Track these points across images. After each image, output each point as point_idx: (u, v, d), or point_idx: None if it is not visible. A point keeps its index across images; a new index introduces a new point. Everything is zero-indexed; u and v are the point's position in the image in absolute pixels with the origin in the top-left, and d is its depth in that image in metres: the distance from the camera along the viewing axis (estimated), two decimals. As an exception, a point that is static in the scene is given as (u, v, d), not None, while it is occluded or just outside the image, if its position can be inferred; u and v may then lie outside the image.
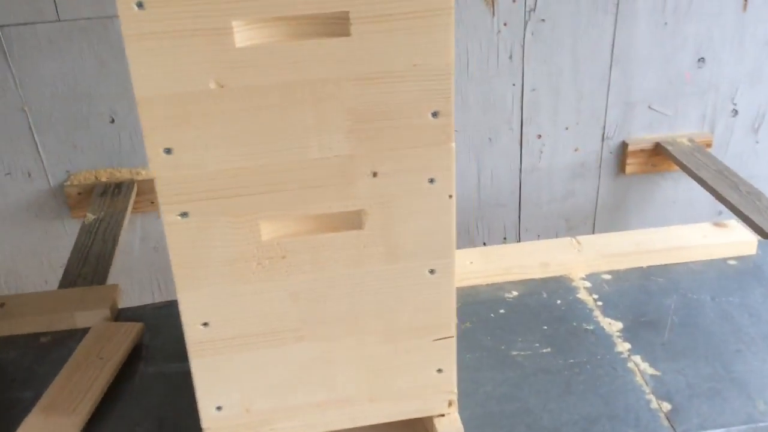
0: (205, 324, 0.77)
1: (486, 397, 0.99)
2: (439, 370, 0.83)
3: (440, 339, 0.81)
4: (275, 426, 0.82)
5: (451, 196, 0.74)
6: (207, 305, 0.76)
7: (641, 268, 1.24)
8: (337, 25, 0.65)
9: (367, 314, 0.79)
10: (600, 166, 1.78)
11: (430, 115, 0.70)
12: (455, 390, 0.85)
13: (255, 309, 0.77)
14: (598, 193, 1.82)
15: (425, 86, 0.69)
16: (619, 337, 1.08)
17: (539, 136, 1.71)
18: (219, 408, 0.80)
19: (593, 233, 1.85)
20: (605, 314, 1.14)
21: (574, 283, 1.21)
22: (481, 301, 1.18)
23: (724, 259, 1.24)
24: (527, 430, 0.93)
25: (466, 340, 1.10)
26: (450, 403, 0.85)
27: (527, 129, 1.72)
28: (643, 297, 1.17)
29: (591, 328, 1.11)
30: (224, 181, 0.70)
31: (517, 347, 1.08)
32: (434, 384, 0.83)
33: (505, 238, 1.86)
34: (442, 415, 0.85)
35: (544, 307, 1.16)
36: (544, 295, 1.19)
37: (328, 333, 0.79)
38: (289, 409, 0.82)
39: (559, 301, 1.17)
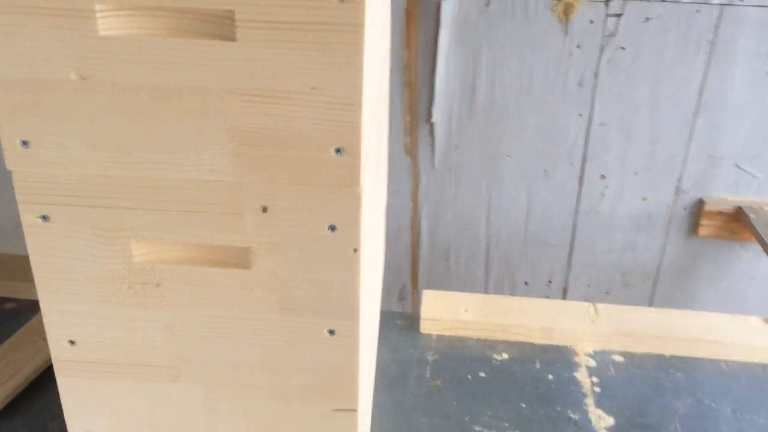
0: (72, 342, 0.67)
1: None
2: (340, 444, 0.70)
3: (340, 410, 0.68)
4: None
5: (356, 250, 0.60)
6: (72, 322, 0.66)
7: (662, 356, 1.04)
8: (221, 25, 0.53)
9: (255, 366, 0.67)
10: (669, 222, 1.56)
11: (332, 151, 0.57)
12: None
13: (125, 336, 0.66)
14: (664, 251, 1.60)
15: (326, 116, 0.55)
16: (604, 436, 0.91)
17: (603, 177, 1.51)
18: (88, 433, 0.71)
19: (653, 295, 1.64)
20: (598, 404, 0.96)
21: (576, 358, 1.04)
22: (463, 358, 1.03)
23: (765, 366, 1.02)
24: None
25: (428, 401, 0.95)
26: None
27: (590, 166, 1.52)
28: (651, 392, 0.98)
29: (576, 417, 0.93)
30: (90, 188, 0.60)
31: (481, 422, 0.93)
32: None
33: (550, 282, 1.68)
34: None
35: (532, 380, 0.99)
36: (537, 366, 1.02)
37: (208, 377, 0.68)
38: (167, 451, 0.71)
39: (550, 377, 1.00)
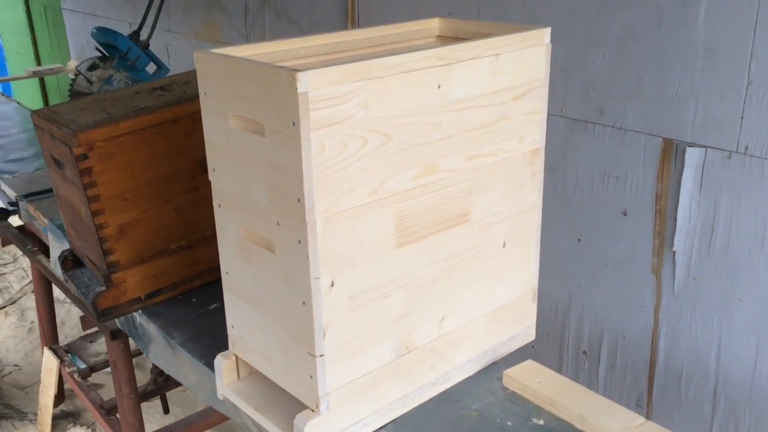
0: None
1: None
2: (311, 377, 1.10)
3: (310, 354, 1.08)
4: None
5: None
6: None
7: None
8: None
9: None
10: None
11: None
12: (319, 398, 1.09)
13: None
14: None
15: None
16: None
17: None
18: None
19: None
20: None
21: None
22: (509, 409, 1.24)
23: None
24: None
25: (455, 421, 1.22)
26: (317, 405, 1.10)
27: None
28: None
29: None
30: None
31: (474, 445, 1.16)
32: (308, 384, 1.11)
33: None
34: (312, 410, 1.11)
35: (540, 443, 1.16)
36: (556, 437, 1.17)
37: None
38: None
39: None
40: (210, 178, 1.15)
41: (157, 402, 2.32)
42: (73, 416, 2.56)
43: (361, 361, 1.12)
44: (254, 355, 1.19)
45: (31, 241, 2.24)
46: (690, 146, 1.49)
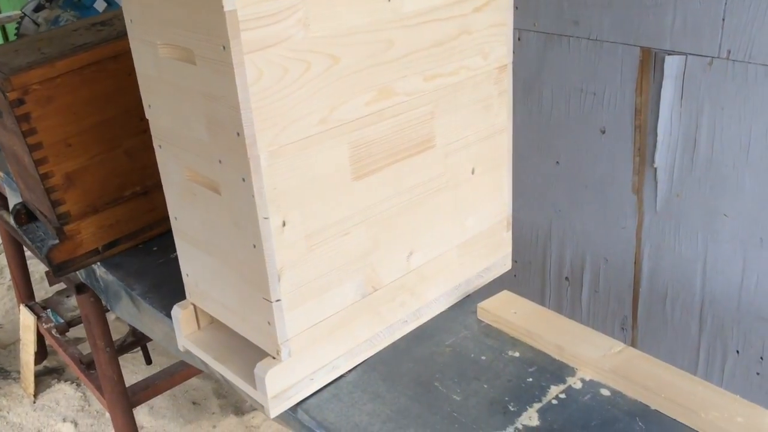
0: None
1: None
2: (269, 323, 1.02)
3: (266, 300, 1.01)
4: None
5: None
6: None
7: (646, 407, 1.01)
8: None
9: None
10: None
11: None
12: (279, 345, 1.02)
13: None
14: None
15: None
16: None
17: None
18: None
19: None
20: (545, 412, 1.02)
21: (568, 378, 1.09)
22: (483, 342, 1.18)
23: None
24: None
25: (430, 358, 1.16)
26: (278, 352, 1.04)
27: (805, 244, 1.29)
28: (598, 423, 0.99)
29: (512, 409, 1.03)
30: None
31: (437, 378, 1.10)
32: (266, 331, 1.03)
33: (761, 359, 1.45)
34: (273, 358, 1.04)
35: (514, 372, 1.10)
36: (530, 369, 1.11)
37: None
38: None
39: (530, 379, 1.09)
40: (147, 116, 1.06)
41: (141, 353, 2.27)
42: (57, 372, 2.52)
43: (323, 303, 1.04)
44: (211, 303, 1.12)
45: (-8, 197, 2.14)
46: (669, 54, 1.39)
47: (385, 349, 1.16)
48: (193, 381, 2.38)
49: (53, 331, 2.23)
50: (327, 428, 1.01)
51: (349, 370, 1.12)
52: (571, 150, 1.63)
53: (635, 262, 1.60)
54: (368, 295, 1.10)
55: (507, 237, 1.32)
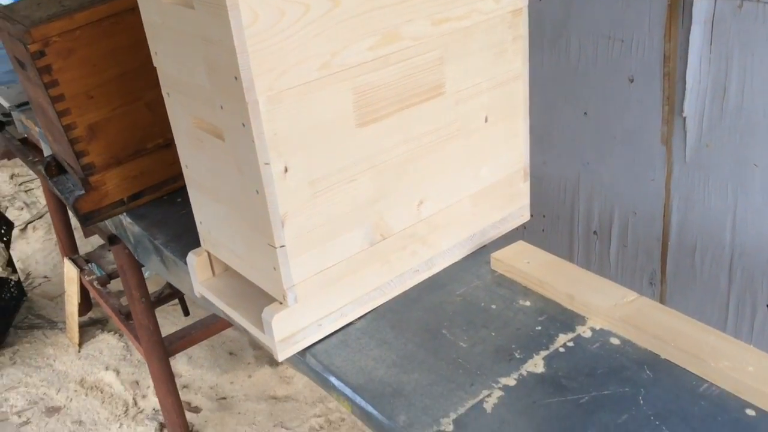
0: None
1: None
2: (274, 268, 1.03)
3: (270, 246, 1.01)
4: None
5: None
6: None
7: (657, 356, 0.99)
8: None
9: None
10: None
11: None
12: (285, 290, 1.03)
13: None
14: None
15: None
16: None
17: None
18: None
19: None
20: (551, 359, 1.01)
21: (578, 326, 1.07)
22: (494, 291, 1.17)
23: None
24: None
25: (440, 307, 1.16)
26: (284, 297, 1.04)
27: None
28: (606, 372, 0.97)
29: (518, 356, 1.02)
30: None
31: (446, 326, 1.09)
32: (272, 277, 1.04)
33: None
34: (280, 303, 1.05)
35: (522, 320, 1.09)
36: (540, 318, 1.09)
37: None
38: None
39: (538, 327, 1.08)
40: (155, 63, 1.06)
41: (179, 306, 2.33)
42: (101, 323, 2.61)
43: (330, 250, 1.05)
44: (223, 249, 1.13)
45: (32, 151, 2.20)
46: (698, -3, 1.32)
47: (395, 297, 1.16)
48: (230, 333, 2.44)
49: (95, 283, 2.30)
50: (333, 372, 1.02)
51: (358, 318, 1.12)
52: (599, 100, 1.59)
53: (664, 215, 1.56)
54: (377, 243, 1.10)
55: (524, 188, 1.30)
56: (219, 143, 1.00)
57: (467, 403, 0.94)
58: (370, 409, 0.96)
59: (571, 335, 1.03)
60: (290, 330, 1.05)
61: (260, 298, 1.10)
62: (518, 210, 1.30)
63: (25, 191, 3.59)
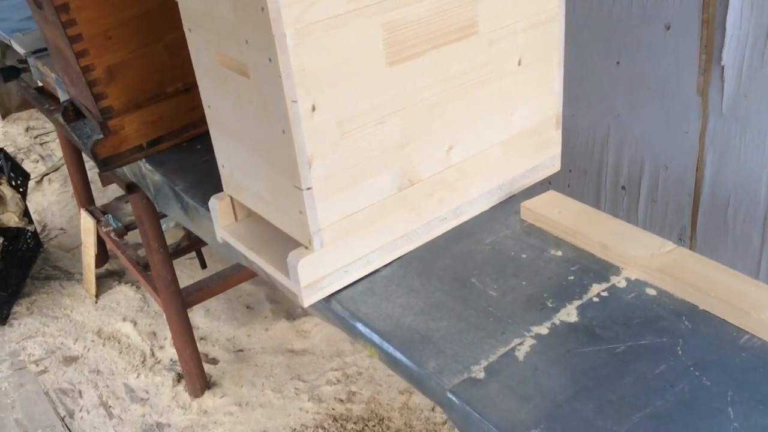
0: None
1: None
2: (300, 212, 1.00)
3: (297, 188, 0.98)
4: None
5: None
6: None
7: (694, 306, 0.96)
8: None
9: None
10: None
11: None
12: (311, 234, 1.00)
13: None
14: None
15: None
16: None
17: None
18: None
19: None
20: (584, 308, 0.98)
21: (612, 276, 1.04)
22: (523, 241, 1.14)
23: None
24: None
25: (465, 256, 1.13)
26: (310, 242, 1.02)
27: None
28: (640, 322, 0.94)
29: (550, 305, 0.99)
30: None
31: (474, 275, 1.07)
32: (298, 220, 1.01)
33: None
34: (306, 248, 1.03)
35: (554, 270, 1.05)
36: (573, 267, 1.06)
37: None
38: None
39: (571, 277, 1.05)
40: (176, -2, 1.02)
41: (196, 259, 2.32)
42: (118, 275, 2.60)
43: (357, 194, 1.02)
44: (246, 194, 1.10)
45: (49, 100, 2.17)
46: (744, -63, 1.26)
47: (422, 246, 1.13)
48: (248, 287, 2.43)
49: (112, 235, 2.29)
50: (360, 319, 1.00)
51: (385, 265, 1.10)
52: (633, 49, 1.53)
53: (697, 169, 1.52)
54: (405, 189, 1.07)
55: (556, 136, 1.26)
56: (243, 81, 0.96)
57: (498, 351, 0.91)
58: (398, 355, 0.93)
59: (605, 285, 1.00)
60: (316, 275, 1.02)
61: (284, 244, 1.08)
62: (549, 159, 1.26)
63: (41, 144, 3.57)
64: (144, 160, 1.46)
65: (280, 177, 0.99)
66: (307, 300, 1.02)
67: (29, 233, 2.60)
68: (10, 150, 3.43)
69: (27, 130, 3.66)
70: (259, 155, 1.01)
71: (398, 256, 1.11)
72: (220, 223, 1.16)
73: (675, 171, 1.55)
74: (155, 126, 1.44)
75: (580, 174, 1.77)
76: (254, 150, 1.02)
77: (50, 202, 3.07)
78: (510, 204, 1.21)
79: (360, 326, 1.00)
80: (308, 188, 0.96)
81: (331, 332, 2.29)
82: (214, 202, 1.15)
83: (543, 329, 0.94)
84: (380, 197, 1.05)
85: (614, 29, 1.54)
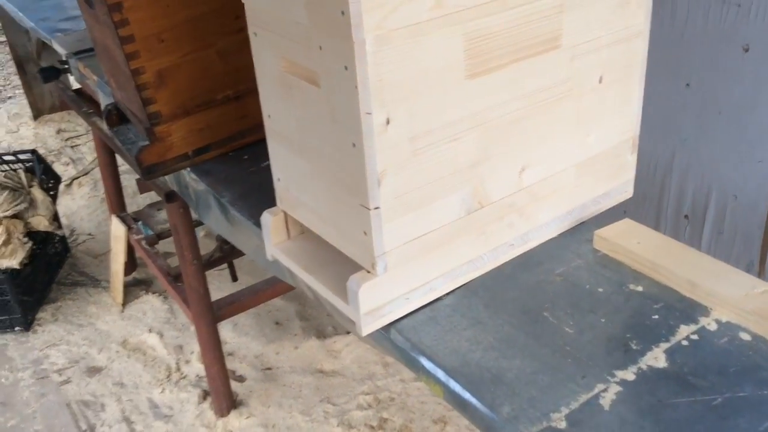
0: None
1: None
2: (365, 233, 0.92)
3: (363, 207, 0.90)
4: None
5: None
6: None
7: None
8: None
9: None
10: None
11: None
12: (375, 257, 0.92)
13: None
14: None
15: None
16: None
17: None
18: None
19: None
20: (672, 353, 0.89)
21: (701, 317, 0.95)
22: (599, 275, 1.05)
23: None
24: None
25: (535, 288, 1.05)
26: (373, 266, 0.94)
27: None
28: (733, 373, 0.86)
29: (635, 348, 0.91)
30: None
31: (547, 308, 0.99)
32: (362, 242, 0.94)
33: None
34: (368, 272, 0.95)
35: (636, 307, 0.97)
36: (656, 305, 0.98)
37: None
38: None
39: (655, 316, 0.96)
40: (242, -1, 0.96)
41: (227, 270, 2.25)
42: (146, 284, 2.54)
43: (425, 215, 0.94)
44: (303, 210, 1.03)
45: (87, 103, 2.12)
46: (841, -44, 1.17)
47: (487, 274, 1.05)
48: (278, 302, 2.36)
49: (143, 243, 2.23)
50: (422, 351, 0.92)
51: (448, 293, 1.02)
52: (706, 70, 1.45)
53: (771, 201, 1.42)
54: (474, 212, 0.99)
55: (631, 160, 1.18)
56: (312, 90, 0.89)
57: (580, 398, 0.83)
58: (467, 396, 0.85)
59: (693, 327, 0.92)
60: (376, 302, 0.94)
61: (340, 265, 1.00)
62: (622, 185, 1.18)
63: (72, 147, 3.54)
64: (189, 168, 1.39)
65: (345, 194, 0.91)
66: (367, 328, 0.95)
67: (58, 238, 2.55)
68: (41, 152, 3.40)
69: (58, 132, 3.63)
70: (322, 170, 0.94)
71: (462, 284, 1.03)
72: (272, 240, 1.08)
73: (745, 201, 1.46)
74: (202, 134, 1.38)
75: (639, 199, 1.68)
76: (317, 164, 0.95)
77: (79, 206, 3.03)
78: (579, 232, 1.13)
79: (423, 360, 0.92)
80: (376, 208, 0.88)
81: (363, 353, 2.21)
82: (267, 217, 1.07)
83: (629, 374, 0.85)
84: (448, 220, 0.97)
85: (686, 48, 1.46)
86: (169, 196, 1.64)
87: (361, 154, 0.85)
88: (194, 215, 1.65)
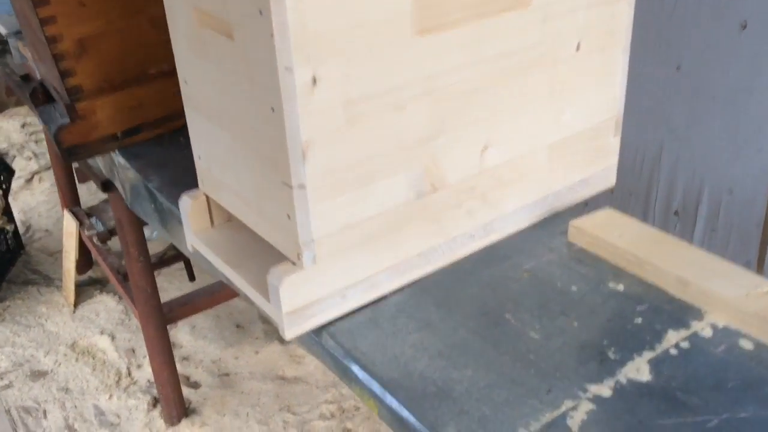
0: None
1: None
2: (288, 216, 0.77)
3: (285, 185, 0.75)
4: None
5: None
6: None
7: None
8: None
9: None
10: None
11: None
12: (300, 245, 0.77)
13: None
14: None
15: None
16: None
17: None
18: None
19: None
20: (657, 363, 0.74)
21: (694, 321, 0.80)
22: (575, 272, 0.90)
23: None
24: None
25: (505, 286, 0.90)
26: (298, 256, 0.79)
27: None
28: (730, 385, 0.70)
29: (612, 357, 0.75)
30: None
31: (510, 309, 0.83)
32: (285, 227, 0.78)
33: None
34: (293, 263, 0.80)
35: (617, 312, 0.82)
36: (638, 308, 0.82)
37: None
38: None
39: (639, 320, 0.81)
40: (149, -62, 0.80)
41: (184, 269, 2.09)
42: (101, 283, 2.38)
43: (365, 198, 0.78)
44: (225, 192, 0.87)
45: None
46: None
47: (443, 269, 0.90)
48: (240, 303, 2.20)
49: (94, 239, 2.06)
50: (356, 359, 0.77)
51: (394, 291, 0.86)
52: (699, 51, 1.30)
53: (769, 197, 1.28)
54: (425, 196, 0.84)
55: (614, 143, 1.03)
56: (226, 43, 0.74)
57: (543, 417, 0.67)
58: (405, 413, 0.70)
59: (684, 333, 0.76)
60: (304, 299, 0.79)
61: (269, 258, 0.84)
62: (603, 171, 1.03)
63: (36, 141, 3.37)
64: (117, 151, 1.23)
65: (266, 170, 0.76)
66: (291, 330, 0.79)
67: (9, 233, 2.38)
68: (3, 146, 3.23)
69: (23, 126, 3.47)
70: (241, 142, 0.79)
71: (412, 281, 0.88)
72: (192, 227, 0.93)
73: (741, 196, 1.31)
74: (133, 113, 1.22)
75: (624, 195, 1.53)
76: (236, 136, 0.79)
77: (38, 201, 2.86)
78: (554, 223, 0.98)
79: (356, 369, 0.76)
80: (300, 185, 0.73)
81: (330, 360, 2.05)
82: (185, 200, 0.92)
83: (604, 389, 0.70)
84: (394, 204, 0.82)
85: (677, 28, 1.31)
86: (106, 185, 1.47)
87: (281, 120, 0.70)
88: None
